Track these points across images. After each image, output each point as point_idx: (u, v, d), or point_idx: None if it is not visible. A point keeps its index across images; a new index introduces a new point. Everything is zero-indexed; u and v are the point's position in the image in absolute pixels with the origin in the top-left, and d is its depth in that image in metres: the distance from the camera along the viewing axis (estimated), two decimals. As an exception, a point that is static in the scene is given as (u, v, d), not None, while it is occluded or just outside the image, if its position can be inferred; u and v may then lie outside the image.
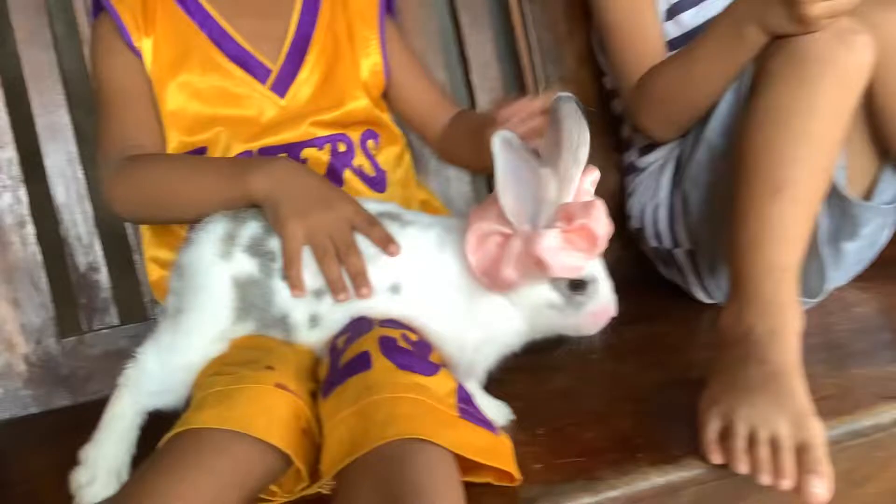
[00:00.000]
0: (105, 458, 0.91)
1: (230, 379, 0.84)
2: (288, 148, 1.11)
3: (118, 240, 1.28)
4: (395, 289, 0.93)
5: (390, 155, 1.20)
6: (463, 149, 1.13)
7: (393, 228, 0.95)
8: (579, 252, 0.86)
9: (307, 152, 1.12)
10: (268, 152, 1.10)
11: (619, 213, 1.40)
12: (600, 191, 0.90)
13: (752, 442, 0.83)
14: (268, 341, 0.92)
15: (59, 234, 1.25)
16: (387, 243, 0.93)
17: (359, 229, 0.94)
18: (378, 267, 0.93)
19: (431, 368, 0.85)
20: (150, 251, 1.14)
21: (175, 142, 1.10)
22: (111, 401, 0.94)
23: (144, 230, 1.15)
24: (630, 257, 1.42)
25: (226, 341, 0.93)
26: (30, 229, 1.23)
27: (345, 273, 0.92)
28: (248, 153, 1.10)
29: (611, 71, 1.37)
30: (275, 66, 1.13)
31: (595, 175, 0.89)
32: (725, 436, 0.85)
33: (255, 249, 0.93)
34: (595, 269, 0.90)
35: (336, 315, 0.93)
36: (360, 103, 1.16)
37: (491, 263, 0.88)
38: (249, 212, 0.95)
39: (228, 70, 1.12)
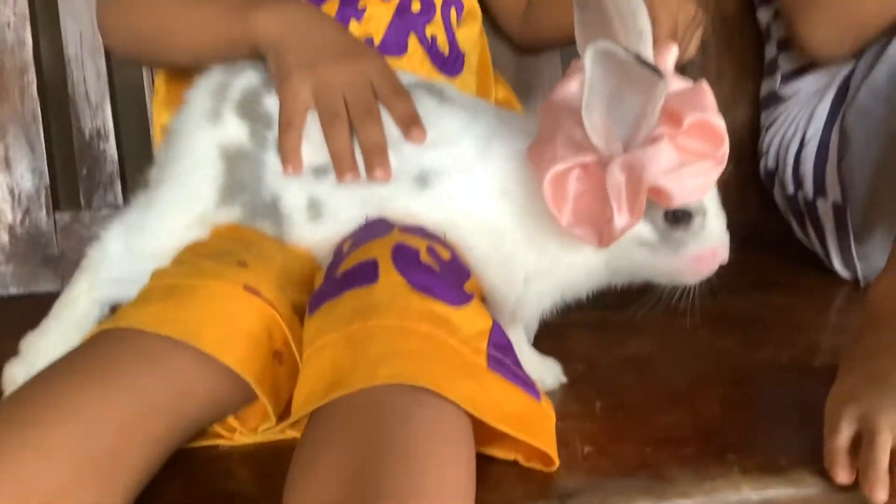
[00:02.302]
0: (48, 351, 0.72)
1: (187, 270, 0.65)
2: None
3: (134, 105, 1.10)
4: (422, 180, 0.71)
5: (471, 34, 0.97)
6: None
7: (428, 103, 0.73)
8: (705, 162, 0.65)
9: (367, 1, 0.90)
10: None
11: (745, 152, 1.17)
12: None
13: None
14: (253, 234, 0.72)
15: (66, 89, 1.07)
16: (409, 123, 0.71)
17: (380, 97, 0.72)
18: (401, 153, 0.71)
19: (460, 297, 0.62)
20: (163, 117, 0.95)
21: None
22: (68, 285, 0.78)
23: (158, 87, 0.96)
24: (750, 210, 1.18)
25: (206, 228, 0.74)
26: (31, 77, 1.06)
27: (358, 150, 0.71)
28: None
29: None
30: None
31: (673, 50, 0.69)
32: (860, 447, 0.61)
33: (248, 109, 0.73)
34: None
35: (340, 202, 0.72)
36: None
37: (588, 211, 0.66)
38: (249, 62, 0.76)
39: None
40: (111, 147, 1.08)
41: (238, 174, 0.72)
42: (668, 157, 0.64)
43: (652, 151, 0.64)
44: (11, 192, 1.05)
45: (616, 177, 0.65)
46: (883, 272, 0.75)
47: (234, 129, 0.72)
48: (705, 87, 0.66)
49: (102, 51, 1.07)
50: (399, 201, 0.71)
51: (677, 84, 0.68)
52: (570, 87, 0.70)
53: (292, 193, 0.72)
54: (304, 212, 0.72)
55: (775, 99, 1.15)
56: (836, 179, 1.02)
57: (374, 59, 0.75)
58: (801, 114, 1.08)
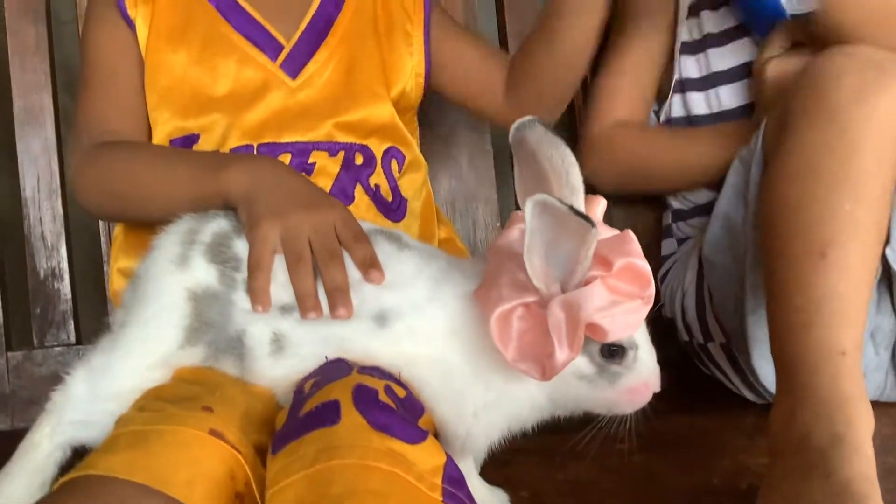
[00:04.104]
0: (12, 496, 0.74)
1: (153, 416, 0.68)
2: (295, 148, 0.97)
3: (88, 246, 1.14)
4: (380, 320, 0.76)
5: (413, 182, 1.05)
6: (542, 57, 1.03)
7: (386, 248, 0.79)
8: (633, 301, 0.71)
9: (316, 156, 0.97)
10: (271, 151, 0.95)
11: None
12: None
13: None
14: (215, 376, 0.75)
15: (21, 230, 1.10)
16: (369, 266, 0.77)
17: (342, 242, 0.78)
18: (361, 294, 0.76)
19: (416, 434, 0.66)
20: (120, 261, 0.99)
21: (168, 126, 0.98)
22: (31, 428, 0.79)
23: (117, 234, 1.00)
24: (667, 338, 1.23)
25: (169, 369, 0.77)
26: (-13, 220, 1.09)
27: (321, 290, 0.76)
28: (246, 148, 0.94)
29: (592, 95, 1.25)
30: (288, 43, 1.00)
31: (601, 204, 0.76)
32: None
33: (217, 253, 0.78)
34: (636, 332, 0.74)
35: (303, 338, 0.76)
36: (383, 111, 1.03)
37: (532, 347, 0.71)
38: (221, 211, 0.81)
39: (234, 43, 0.99)
40: (65, 286, 1.11)
41: (205, 314, 0.76)
42: (601, 297, 0.70)
43: (587, 292, 0.70)
44: (-37, 331, 1.07)
45: (556, 315, 0.70)
46: (774, 403, 0.80)
47: (202, 273, 0.76)
48: (631, 236, 0.73)
49: (59, 192, 1.12)
50: (359, 340, 0.75)
51: (606, 232, 0.75)
52: (512, 235, 0.77)
53: (258, 328, 0.75)
54: (268, 346, 0.75)
55: (670, 233, 1.24)
56: (715, 324, 1.09)
57: (337, 207, 0.81)
58: (680, 267, 1.17)
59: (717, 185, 1.11)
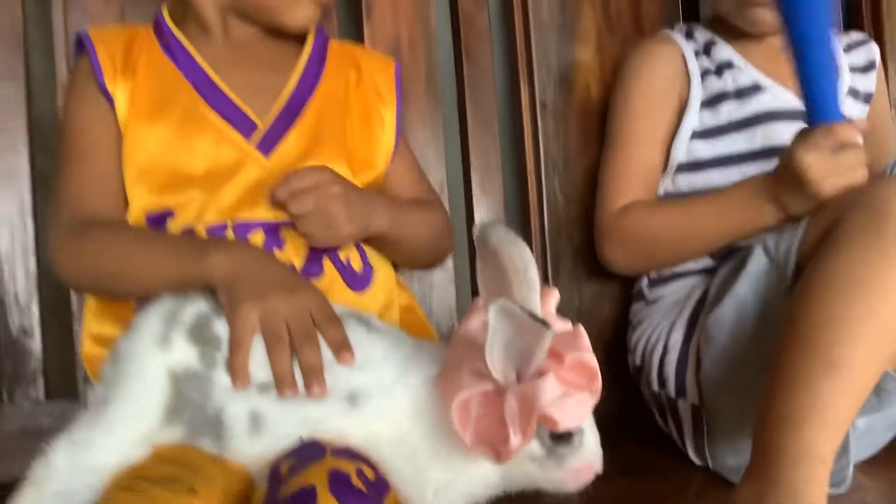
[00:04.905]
0: None
1: (140, 499, 0.72)
2: (266, 226, 1.01)
3: (59, 304, 1.16)
4: (352, 399, 0.82)
5: (375, 252, 1.10)
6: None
7: (357, 331, 0.85)
8: (582, 393, 0.78)
9: (287, 233, 1.01)
10: (243, 229, 0.99)
11: (608, 347, 1.31)
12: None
13: None
14: (195, 455, 0.80)
15: (-6, 289, 1.13)
16: (340, 348, 0.83)
17: (316, 325, 0.84)
18: (333, 374, 0.82)
19: (385, 518, 0.72)
20: (92, 327, 1.02)
21: (143, 201, 1.01)
22: (14, 499, 0.82)
23: (89, 298, 1.03)
24: (614, 399, 1.27)
25: (149, 445, 0.81)
26: (-39, 279, 1.11)
27: (297, 370, 0.82)
28: (220, 226, 0.99)
29: (599, 185, 1.31)
30: (263, 123, 1.05)
31: (555, 296, 0.83)
32: None
33: (198, 334, 0.83)
34: (582, 418, 0.81)
35: (279, 417, 0.81)
36: None
37: (488, 432, 0.78)
38: (200, 293, 0.86)
39: (210, 121, 1.03)
40: (36, 344, 1.14)
41: (186, 393, 0.80)
42: (553, 389, 0.77)
43: (540, 384, 0.77)
44: (-68, 386, 1.09)
45: (512, 405, 0.77)
46: (745, 480, 0.87)
47: (183, 353, 0.81)
48: (581, 331, 0.80)
49: (32, 251, 1.14)
50: (333, 422, 0.81)
51: (559, 325, 0.82)
52: (473, 324, 0.84)
53: (236, 406, 0.80)
54: (246, 424, 0.80)
55: (642, 297, 1.28)
56: (694, 385, 1.14)
57: (313, 292, 0.87)
58: (664, 322, 1.20)
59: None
